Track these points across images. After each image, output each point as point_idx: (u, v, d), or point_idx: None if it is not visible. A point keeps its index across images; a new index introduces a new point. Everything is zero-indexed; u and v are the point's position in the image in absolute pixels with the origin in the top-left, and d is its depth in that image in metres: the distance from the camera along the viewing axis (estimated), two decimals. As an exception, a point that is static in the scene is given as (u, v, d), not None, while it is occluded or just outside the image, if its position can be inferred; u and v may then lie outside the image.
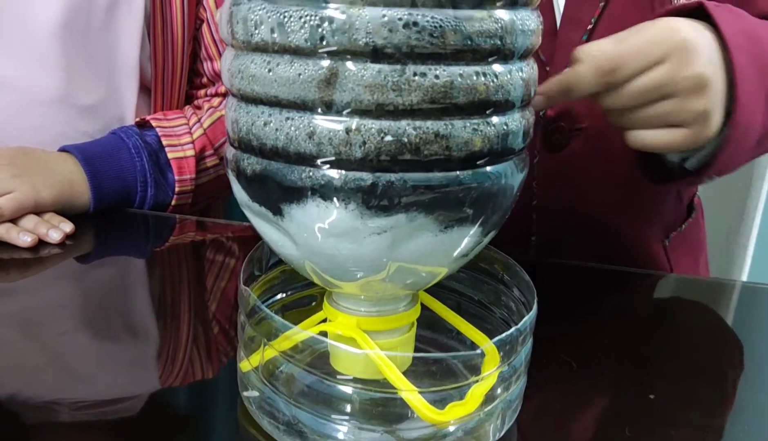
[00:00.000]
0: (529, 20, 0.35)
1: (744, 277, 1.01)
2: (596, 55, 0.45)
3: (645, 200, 0.70)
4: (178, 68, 0.82)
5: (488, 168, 0.35)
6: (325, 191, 0.34)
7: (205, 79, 0.87)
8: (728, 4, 0.51)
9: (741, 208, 0.96)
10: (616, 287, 0.65)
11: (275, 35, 0.32)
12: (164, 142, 0.77)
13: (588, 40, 0.63)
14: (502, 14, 0.33)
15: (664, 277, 0.69)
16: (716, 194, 1.01)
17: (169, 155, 0.77)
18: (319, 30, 0.31)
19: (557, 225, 0.69)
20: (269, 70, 0.33)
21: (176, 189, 0.78)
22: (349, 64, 0.31)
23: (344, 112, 0.32)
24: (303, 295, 0.51)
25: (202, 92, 0.87)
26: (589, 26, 0.62)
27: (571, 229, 0.69)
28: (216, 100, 0.85)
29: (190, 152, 0.79)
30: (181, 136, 0.79)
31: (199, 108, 0.85)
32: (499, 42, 0.33)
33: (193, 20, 0.82)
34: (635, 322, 0.59)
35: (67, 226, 0.67)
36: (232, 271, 0.66)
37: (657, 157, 0.57)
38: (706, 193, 0.83)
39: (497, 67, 0.34)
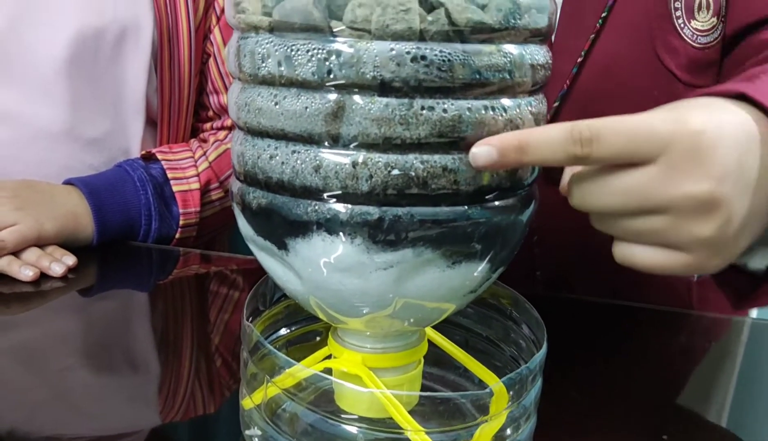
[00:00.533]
0: (538, 54, 0.34)
1: (754, 314, 1.00)
2: (575, 121, 0.34)
3: None
4: (184, 101, 0.83)
5: (497, 202, 0.35)
6: (330, 225, 0.33)
7: (211, 113, 0.87)
8: None
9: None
10: (628, 323, 0.64)
11: (282, 68, 0.32)
12: (169, 175, 0.77)
13: (578, 72, 0.62)
14: (511, 48, 0.33)
15: (677, 314, 0.68)
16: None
17: (174, 188, 0.77)
18: (327, 63, 0.31)
19: (562, 259, 0.68)
20: (276, 104, 0.33)
21: (180, 222, 0.78)
22: (357, 98, 0.31)
23: (351, 146, 0.32)
24: (307, 330, 0.50)
25: (207, 125, 0.87)
26: (579, 58, 0.62)
27: (578, 262, 0.68)
28: (222, 134, 0.85)
29: (195, 185, 0.79)
30: (186, 169, 0.79)
31: (204, 141, 0.85)
32: (508, 76, 0.33)
33: (200, 54, 0.83)
34: (648, 359, 0.58)
35: (70, 260, 0.66)
36: (236, 303, 0.65)
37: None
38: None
39: (506, 101, 0.33)
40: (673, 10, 0.59)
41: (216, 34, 0.83)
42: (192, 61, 0.81)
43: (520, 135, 0.33)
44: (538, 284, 0.69)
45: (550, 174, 0.65)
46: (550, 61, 0.36)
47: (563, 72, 0.62)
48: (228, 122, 0.85)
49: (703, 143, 0.33)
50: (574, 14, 0.61)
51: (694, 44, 0.60)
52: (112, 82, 0.77)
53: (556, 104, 0.63)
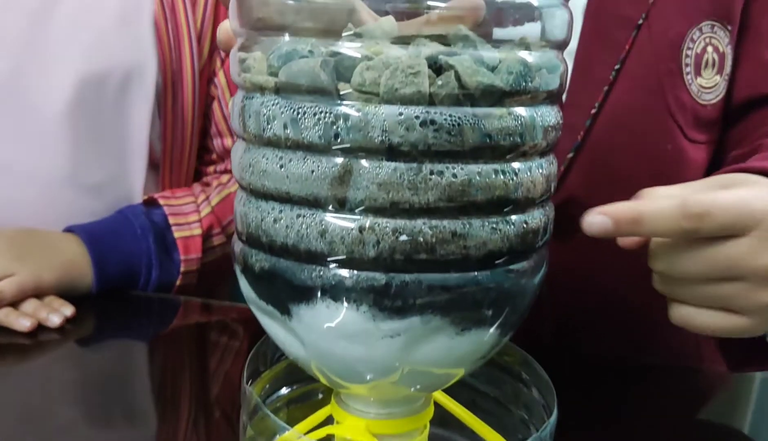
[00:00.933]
0: (549, 116, 0.34)
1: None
2: (685, 195, 0.38)
3: None
4: (188, 145, 0.82)
5: (508, 267, 0.34)
6: (335, 291, 0.32)
7: (214, 156, 0.87)
8: None
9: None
10: (642, 381, 0.62)
11: (288, 131, 0.31)
12: (171, 221, 0.76)
13: (592, 124, 0.62)
14: (522, 111, 0.32)
15: (697, 371, 0.66)
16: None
17: (176, 234, 0.76)
18: (334, 127, 0.30)
19: (572, 313, 0.67)
20: (281, 166, 0.32)
21: (182, 269, 0.77)
22: (364, 162, 0.30)
23: (357, 211, 0.31)
24: (309, 389, 0.49)
25: (211, 169, 0.87)
26: (593, 110, 0.62)
27: (588, 319, 0.67)
28: (225, 177, 0.85)
29: (197, 231, 0.78)
30: (188, 214, 0.78)
31: (207, 185, 0.84)
32: (519, 139, 0.32)
33: (204, 98, 0.83)
34: (659, 417, 0.56)
35: (68, 310, 0.65)
36: (236, 354, 0.64)
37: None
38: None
39: (517, 165, 0.32)
40: (683, 66, 0.60)
41: (220, 77, 0.83)
42: (196, 105, 0.81)
43: (635, 208, 0.38)
44: (547, 335, 0.68)
45: (559, 230, 0.64)
46: (561, 122, 0.36)
47: (577, 124, 0.62)
48: (231, 165, 0.85)
49: None
50: (587, 67, 0.61)
51: (700, 101, 0.61)
52: (114, 127, 0.77)
53: (570, 156, 0.63)
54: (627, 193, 0.61)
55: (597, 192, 0.64)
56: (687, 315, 0.40)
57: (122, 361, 0.64)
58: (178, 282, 0.77)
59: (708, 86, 0.61)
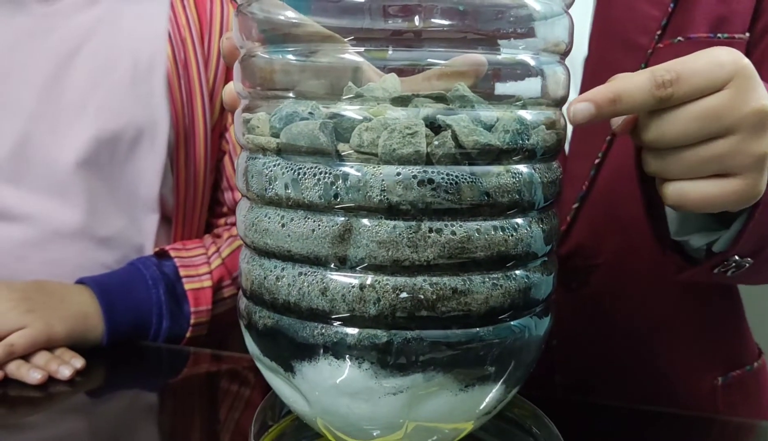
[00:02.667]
0: (548, 172, 0.34)
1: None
2: (654, 67, 0.39)
3: (688, 331, 0.66)
4: (200, 198, 0.83)
5: (511, 322, 0.34)
6: (338, 349, 0.32)
7: (225, 208, 0.88)
8: None
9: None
10: (652, 429, 0.61)
11: (289, 191, 0.32)
12: (181, 273, 0.77)
13: (596, 174, 0.62)
14: (521, 168, 0.32)
15: (703, 419, 0.65)
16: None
17: (186, 286, 0.77)
18: (334, 187, 0.31)
19: (582, 365, 0.66)
20: (283, 225, 0.32)
21: (192, 321, 0.77)
22: (364, 221, 0.31)
23: (358, 268, 0.31)
24: (317, 444, 0.48)
25: (222, 221, 0.88)
26: (597, 160, 0.62)
27: (599, 369, 0.66)
28: (236, 229, 0.85)
29: (207, 283, 0.78)
30: (199, 266, 0.79)
31: (218, 237, 0.85)
32: (517, 196, 0.32)
33: (216, 152, 0.84)
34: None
35: (78, 362, 0.66)
36: (246, 402, 0.64)
37: (679, 246, 0.52)
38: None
39: (517, 221, 0.33)
40: None
41: (231, 132, 0.84)
42: (208, 159, 0.82)
43: (610, 87, 0.38)
44: (558, 388, 0.67)
45: (567, 280, 0.64)
46: (560, 176, 0.36)
47: (581, 174, 0.62)
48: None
49: (753, 71, 0.39)
50: None
51: None
52: (126, 182, 0.78)
53: (575, 206, 0.63)
54: (634, 241, 0.61)
55: (604, 241, 0.64)
56: (682, 190, 0.40)
57: (132, 411, 0.64)
58: (188, 334, 0.78)
59: None
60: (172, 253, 0.78)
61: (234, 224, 0.87)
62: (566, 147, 0.64)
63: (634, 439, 0.59)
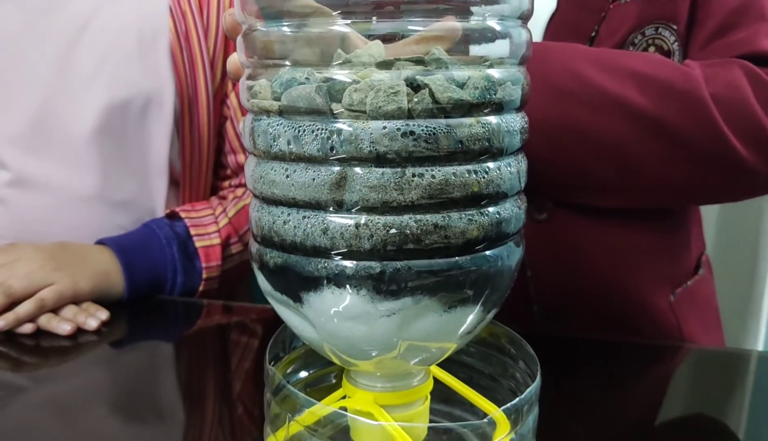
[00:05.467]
0: (513, 122, 0.39)
1: (760, 347, 1.01)
2: None
3: (644, 257, 0.72)
4: (204, 162, 0.88)
5: (486, 252, 0.39)
6: (339, 280, 0.37)
7: (229, 171, 0.93)
8: None
9: (751, 276, 0.97)
10: (624, 357, 0.67)
11: (291, 146, 0.37)
12: (192, 232, 0.82)
13: None
14: (490, 119, 0.37)
15: (673, 347, 0.71)
16: (725, 263, 1.03)
17: (197, 244, 0.82)
18: (329, 141, 0.36)
19: (557, 293, 0.71)
20: (287, 176, 0.37)
21: (204, 275, 0.82)
22: (357, 169, 0.36)
23: (353, 210, 0.36)
24: (323, 373, 0.54)
25: (226, 183, 0.93)
26: None
27: (572, 295, 0.71)
28: (240, 190, 0.90)
29: (216, 240, 0.84)
30: (207, 225, 0.84)
31: (224, 198, 0.90)
32: (487, 143, 0.37)
33: (218, 118, 0.89)
34: (643, 391, 0.60)
35: (103, 314, 0.71)
36: (255, 352, 0.69)
37: None
38: (716, 261, 0.85)
39: (488, 165, 0.38)
40: None
41: (232, 99, 0.89)
42: (211, 125, 0.87)
43: None
44: (537, 319, 0.73)
45: (536, 212, 0.69)
46: (526, 126, 0.41)
47: None
48: (245, 180, 0.91)
49: None
50: None
51: None
52: (138, 149, 0.83)
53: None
54: (598, 195, 0.66)
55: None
56: None
57: (153, 360, 0.69)
58: (201, 287, 0.83)
59: None
60: (183, 214, 0.83)
61: (238, 186, 0.92)
62: None
63: (604, 365, 0.65)
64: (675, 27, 0.66)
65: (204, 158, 0.88)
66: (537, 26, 0.67)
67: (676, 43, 0.66)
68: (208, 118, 0.86)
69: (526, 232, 0.57)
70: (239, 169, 0.91)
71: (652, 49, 0.65)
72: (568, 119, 0.57)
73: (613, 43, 0.65)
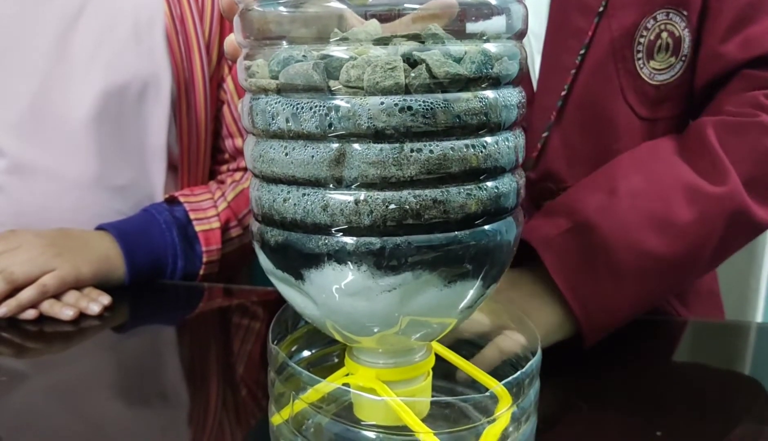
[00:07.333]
0: (511, 96, 0.39)
1: (758, 320, 1.02)
2: None
3: None
4: (202, 147, 0.88)
5: (485, 227, 0.39)
6: (339, 256, 0.38)
7: (227, 155, 0.93)
8: None
9: (751, 251, 0.98)
10: (624, 332, 0.67)
11: (290, 124, 0.37)
12: (192, 216, 0.82)
13: (563, 106, 0.68)
14: (487, 93, 0.38)
15: (673, 321, 0.71)
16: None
17: (197, 228, 0.83)
18: (328, 118, 0.36)
19: None
20: (286, 154, 0.38)
21: (204, 259, 0.83)
22: (355, 146, 0.36)
23: (353, 187, 0.36)
24: (326, 353, 0.54)
25: (224, 168, 0.93)
26: (563, 92, 0.67)
27: None
28: (238, 174, 0.90)
29: (216, 224, 0.84)
30: (207, 209, 0.84)
31: (222, 183, 0.90)
32: (484, 118, 0.37)
33: (215, 102, 0.89)
34: (644, 363, 0.61)
35: (105, 299, 0.72)
36: (257, 334, 0.70)
37: None
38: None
39: (486, 139, 0.38)
40: (635, 53, 0.65)
41: (228, 83, 0.89)
42: (208, 109, 0.87)
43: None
44: None
45: (540, 202, 0.70)
46: (523, 101, 0.41)
47: (549, 105, 0.67)
48: (243, 164, 0.91)
49: None
50: (556, 53, 0.67)
51: (651, 82, 0.66)
52: (135, 133, 0.83)
53: (545, 135, 0.68)
54: (598, 166, 0.67)
55: (571, 167, 0.69)
56: None
57: (155, 343, 0.70)
58: (201, 271, 0.84)
59: (661, 68, 0.66)
60: (182, 199, 0.84)
61: (236, 170, 0.92)
62: (535, 82, 0.69)
63: (609, 342, 0.66)
64: (686, 13, 0.67)
65: (201, 142, 0.88)
66: (541, 1, 0.67)
67: (686, 30, 0.67)
68: (205, 101, 0.86)
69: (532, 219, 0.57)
70: (237, 153, 0.91)
71: (664, 34, 0.66)
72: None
73: (625, 24, 0.65)
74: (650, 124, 0.69)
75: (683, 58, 0.67)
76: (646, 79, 0.67)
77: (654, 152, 0.64)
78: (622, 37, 0.65)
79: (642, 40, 0.65)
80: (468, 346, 0.56)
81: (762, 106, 0.64)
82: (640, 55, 0.65)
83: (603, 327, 0.56)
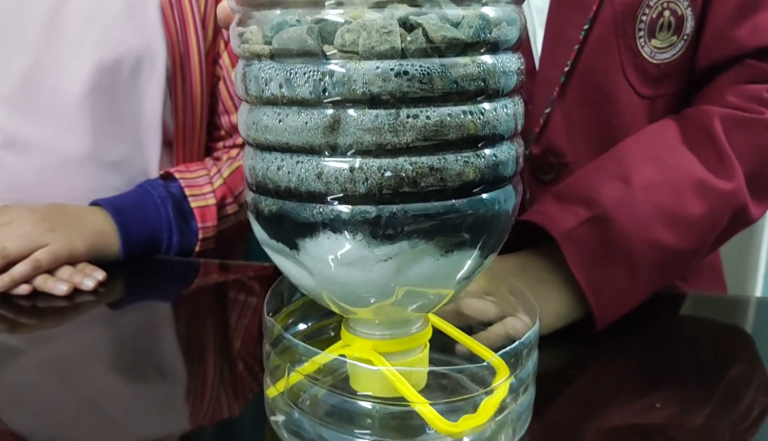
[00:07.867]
0: (509, 62, 0.38)
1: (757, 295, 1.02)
2: None
3: None
4: (197, 123, 0.88)
5: (482, 195, 0.39)
6: (334, 225, 0.37)
7: (223, 132, 0.92)
8: None
9: (749, 228, 0.98)
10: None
11: (283, 90, 0.36)
12: (187, 193, 0.82)
13: (566, 81, 0.67)
14: (485, 59, 0.37)
15: (673, 294, 0.71)
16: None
17: (192, 204, 0.82)
18: (322, 83, 0.35)
19: None
20: (280, 121, 0.37)
21: (200, 236, 0.82)
22: (350, 112, 0.35)
23: (348, 154, 0.36)
24: (322, 325, 0.54)
25: (220, 144, 0.92)
26: (566, 68, 0.67)
27: None
28: (234, 151, 0.90)
29: (212, 201, 0.83)
30: (202, 186, 0.84)
31: (218, 159, 0.89)
32: (482, 83, 0.37)
33: (210, 77, 0.88)
34: (644, 336, 0.61)
35: (100, 274, 0.71)
36: (254, 308, 0.69)
37: None
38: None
39: (484, 105, 0.37)
40: (637, 30, 0.65)
41: (224, 58, 0.88)
42: (203, 84, 0.86)
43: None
44: None
45: (540, 176, 0.69)
46: (522, 67, 0.40)
47: (552, 80, 0.67)
48: (239, 140, 0.90)
49: None
50: (560, 27, 0.66)
51: (653, 60, 0.66)
52: (130, 109, 0.82)
53: (547, 110, 0.68)
54: (602, 142, 0.67)
55: (574, 142, 0.69)
56: None
57: (150, 319, 0.70)
58: (197, 248, 0.83)
59: (663, 46, 0.66)
60: (177, 175, 0.83)
61: (232, 147, 0.91)
62: (537, 56, 0.69)
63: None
64: None
65: (197, 118, 0.87)
66: None
67: (690, 9, 0.66)
68: (201, 77, 0.85)
69: (533, 192, 0.58)
70: (233, 129, 0.91)
71: (666, 13, 0.65)
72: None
73: (628, 3, 0.65)
74: (650, 101, 0.68)
75: (685, 38, 0.67)
76: (647, 57, 0.66)
77: (663, 140, 0.64)
78: (625, 13, 0.65)
79: (644, 18, 0.64)
80: (466, 318, 0.56)
81: (766, 103, 0.65)
82: (641, 32, 0.65)
83: (613, 316, 0.57)
